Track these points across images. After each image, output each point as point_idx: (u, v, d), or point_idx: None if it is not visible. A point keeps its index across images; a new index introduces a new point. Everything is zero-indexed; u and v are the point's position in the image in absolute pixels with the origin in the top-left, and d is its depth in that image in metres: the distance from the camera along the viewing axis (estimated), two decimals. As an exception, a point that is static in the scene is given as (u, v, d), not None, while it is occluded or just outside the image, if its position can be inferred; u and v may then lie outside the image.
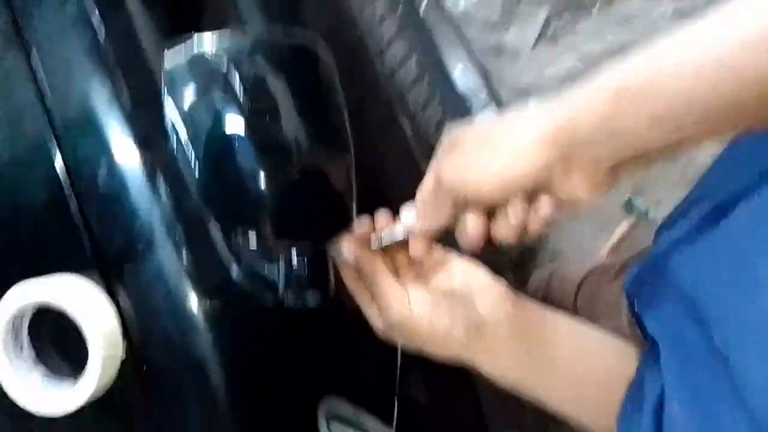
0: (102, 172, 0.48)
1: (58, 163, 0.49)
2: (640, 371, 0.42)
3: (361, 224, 0.45)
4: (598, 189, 0.39)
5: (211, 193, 0.37)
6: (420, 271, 0.48)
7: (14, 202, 0.52)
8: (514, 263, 1.16)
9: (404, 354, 0.64)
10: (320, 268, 0.41)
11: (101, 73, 0.48)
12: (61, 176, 0.49)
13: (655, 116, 0.35)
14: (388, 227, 0.46)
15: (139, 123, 0.48)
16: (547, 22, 1.48)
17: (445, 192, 0.41)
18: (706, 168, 0.48)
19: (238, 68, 0.35)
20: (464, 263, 0.48)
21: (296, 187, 0.37)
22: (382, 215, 0.46)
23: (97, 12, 0.47)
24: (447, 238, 0.46)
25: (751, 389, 0.31)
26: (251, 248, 0.42)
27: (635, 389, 0.42)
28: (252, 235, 0.37)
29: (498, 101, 1.13)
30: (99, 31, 0.48)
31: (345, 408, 0.53)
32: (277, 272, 0.40)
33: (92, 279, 0.48)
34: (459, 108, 0.99)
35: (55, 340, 0.49)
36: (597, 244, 1.48)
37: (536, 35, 1.48)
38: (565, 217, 1.49)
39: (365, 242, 0.46)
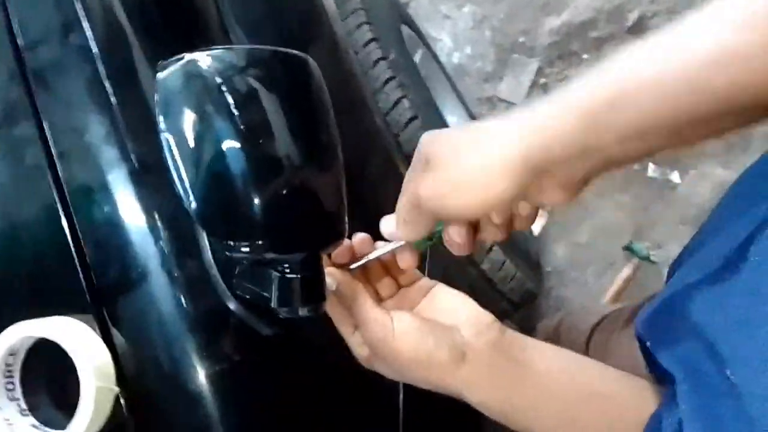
0: (98, 203, 0.49)
1: (57, 200, 0.50)
2: (658, 410, 0.41)
3: (339, 249, 0.45)
4: (573, 195, 0.40)
5: (204, 212, 0.37)
6: (404, 300, 0.48)
7: (13, 242, 0.52)
8: (515, 306, 1.14)
9: (408, 408, 0.63)
10: (313, 279, 0.41)
11: (99, 109, 0.50)
12: (60, 211, 0.49)
13: (623, 133, 0.36)
14: (364, 246, 0.46)
15: (137, 155, 0.50)
16: (539, 72, 1.53)
17: (424, 210, 0.41)
18: (711, 206, 0.48)
19: (230, 81, 0.36)
20: (450, 292, 0.48)
21: (287, 199, 0.37)
22: (361, 237, 0.46)
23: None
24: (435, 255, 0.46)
25: (760, 418, 0.31)
26: (245, 266, 0.42)
27: (653, 426, 0.41)
28: (246, 251, 0.37)
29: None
30: (98, 62, 0.49)
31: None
32: (270, 289, 0.40)
33: (85, 318, 0.47)
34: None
35: (46, 388, 0.48)
36: (601, 287, 1.47)
37: (529, 84, 1.53)
38: (566, 263, 1.49)
39: (345, 267, 0.46)
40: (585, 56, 1.47)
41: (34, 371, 0.47)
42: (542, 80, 1.53)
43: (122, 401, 0.46)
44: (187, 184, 0.37)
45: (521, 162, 0.37)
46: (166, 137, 0.37)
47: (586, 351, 0.89)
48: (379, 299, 0.48)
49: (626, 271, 1.45)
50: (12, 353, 0.46)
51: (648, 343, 0.42)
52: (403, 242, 0.45)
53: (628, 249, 1.46)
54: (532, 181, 0.38)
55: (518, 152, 0.37)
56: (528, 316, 1.37)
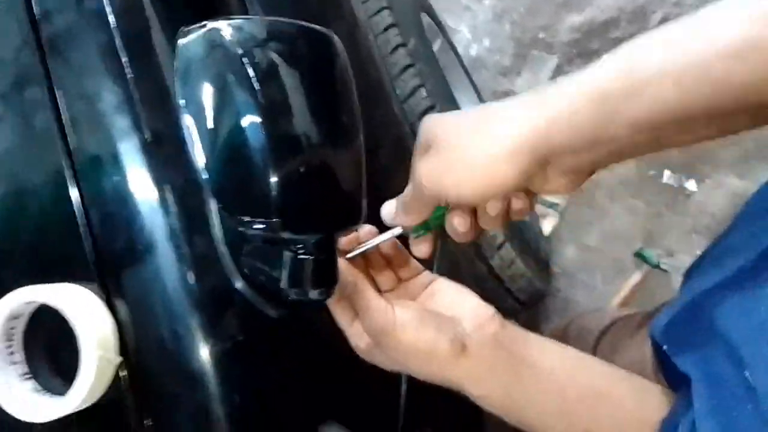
0: (108, 173, 0.48)
1: (66, 167, 0.49)
2: (672, 414, 0.41)
3: (344, 239, 0.45)
4: (576, 186, 0.39)
5: (220, 185, 0.37)
6: (404, 293, 0.47)
7: (20, 207, 0.51)
8: (522, 305, 1.13)
9: (411, 395, 0.62)
10: (327, 261, 0.40)
11: (113, 77, 0.49)
12: (68, 178, 0.49)
13: (636, 123, 0.35)
14: (370, 237, 0.45)
15: (149, 125, 0.49)
16: (558, 69, 1.51)
17: (424, 194, 0.41)
18: (725, 216, 0.48)
19: (252, 53, 0.35)
20: (451, 285, 0.47)
21: (306, 178, 0.36)
22: (367, 229, 0.45)
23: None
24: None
25: None
26: (257, 245, 0.41)
27: (669, 430, 0.40)
28: (260, 228, 0.36)
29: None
30: (113, 30, 0.49)
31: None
32: (281, 270, 0.39)
33: (90, 287, 0.47)
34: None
35: (48, 354, 0.48)
36: (609, 291, 1.46)
37: (547, 81, 1.51)
38: (575, 265, 1.48)
39: (344, 255, 0.45)
40: (604, 55, 1.45)
41: (36, 337, 0.47)
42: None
43: (122, 372, 0.46)
44: (203, 156, 0.36)
45: (528, 149, 0.36)
46: (183, 106, 0.37)
47: (593, 354, 0.88)
48: (378, 292, 0.47)
49: (635, 278, 1.44)
50: (14, 317, 0.45)
51: (665, 347, 0.42)
52: (400, 230, 0.45)
53: (639, 255, 1.44)
54: (536, 168, 0.37)
55: (525, 139, 0.36)
56: (535, 316, 1.36)
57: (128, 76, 0.49)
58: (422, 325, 0.42)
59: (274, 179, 0.35)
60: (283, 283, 0.39)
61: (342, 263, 0.44)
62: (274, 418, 0.50)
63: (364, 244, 0.45)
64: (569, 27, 1.48)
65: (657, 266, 1.41)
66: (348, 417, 0.53)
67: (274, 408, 0.50)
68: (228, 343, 0.48)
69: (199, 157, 0.36)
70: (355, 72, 0.44)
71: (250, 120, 0.35)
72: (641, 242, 1.45)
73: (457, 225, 0.42)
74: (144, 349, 0.47)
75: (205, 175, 0.36)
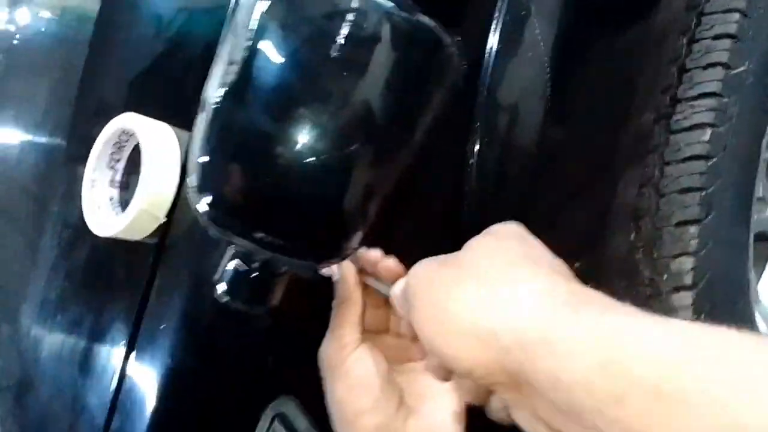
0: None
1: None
2: None
3: (371, 253, 0.38)
4: None
5: (218, 113, 0.31)
6: (397, 352, 0.40)
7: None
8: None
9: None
10: (263, 283, 0.35)
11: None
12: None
13: None
14: (395, 278, 0.37)
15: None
16: None
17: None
18: None
19: (347, 16, 0.28)
20: (444, 386, 0.38)
21: (294, 179, 0.29)
22: (392, 261, 0.38)
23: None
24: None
25: None
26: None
27: None
28: (204, 205, 0.31)
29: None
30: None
31: (296, 417, 0.48)
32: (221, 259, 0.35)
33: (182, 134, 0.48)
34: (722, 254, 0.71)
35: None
36: None
37: None
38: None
39: (361, 271, 0.39)
40: None
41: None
42: None
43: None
44: (214, 87, 0.31)
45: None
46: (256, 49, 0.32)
47: None
48: (371, 329, 0.40)
49: None
50: (128, 133, 0.50)
51: None
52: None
53: None
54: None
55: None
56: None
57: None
58: (365, 386, 0.36)
59: (252, 153, 0.29)
60: (217, 275, 0.35)
61: (349, 272, 0.38)
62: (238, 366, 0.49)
63: (374, 278, 0.38)
64: None
65: None
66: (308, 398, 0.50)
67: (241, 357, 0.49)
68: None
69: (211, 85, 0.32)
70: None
71: (291, 77, 0.29)
72: None
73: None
74: (186, 218, 0.48)
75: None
